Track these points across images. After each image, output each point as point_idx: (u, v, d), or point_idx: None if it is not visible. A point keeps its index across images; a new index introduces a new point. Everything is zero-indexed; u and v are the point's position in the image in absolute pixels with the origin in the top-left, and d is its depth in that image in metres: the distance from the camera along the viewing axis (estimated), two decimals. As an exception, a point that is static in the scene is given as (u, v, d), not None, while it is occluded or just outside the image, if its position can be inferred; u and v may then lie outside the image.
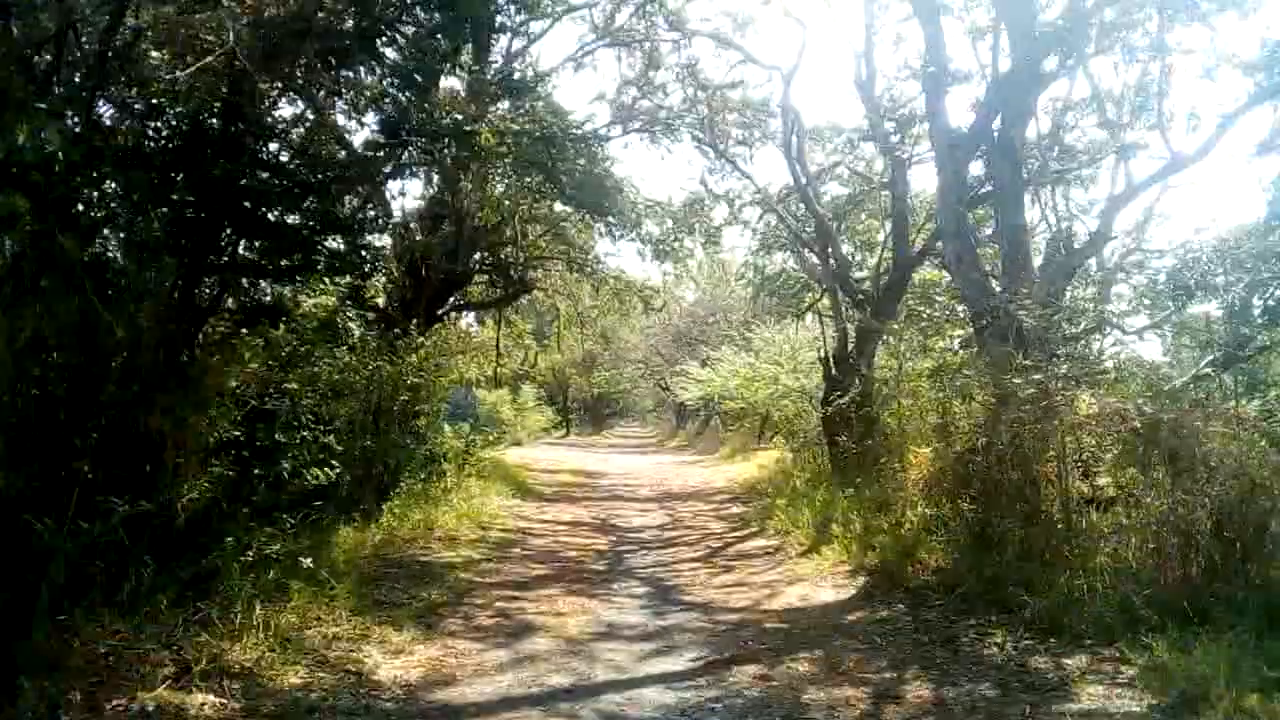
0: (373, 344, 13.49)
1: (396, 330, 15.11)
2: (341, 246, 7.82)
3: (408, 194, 17.69)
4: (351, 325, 14.25)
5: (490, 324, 26.80)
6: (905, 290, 15.52)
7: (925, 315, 18.66)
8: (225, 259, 6.71)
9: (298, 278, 7.39)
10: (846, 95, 73.20)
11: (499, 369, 26.23)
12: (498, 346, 25.20)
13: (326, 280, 12.60)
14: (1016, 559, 7.33)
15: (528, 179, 18.86)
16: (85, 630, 4.55)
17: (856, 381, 13.38)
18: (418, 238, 15.95)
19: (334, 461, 8.30)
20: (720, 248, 39.91)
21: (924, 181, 16.92)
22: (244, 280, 7.06)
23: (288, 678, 5.07)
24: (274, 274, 6.98)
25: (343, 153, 12.20)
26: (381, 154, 8.50)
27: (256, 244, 6.84)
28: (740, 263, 39.74)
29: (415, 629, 6.56)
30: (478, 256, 20.33)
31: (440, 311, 16.52)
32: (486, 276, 22.74)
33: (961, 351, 14.94)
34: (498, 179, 18.98)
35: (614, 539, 11.56)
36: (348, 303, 14.54)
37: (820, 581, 8.36)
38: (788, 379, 23.05)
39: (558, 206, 22.06)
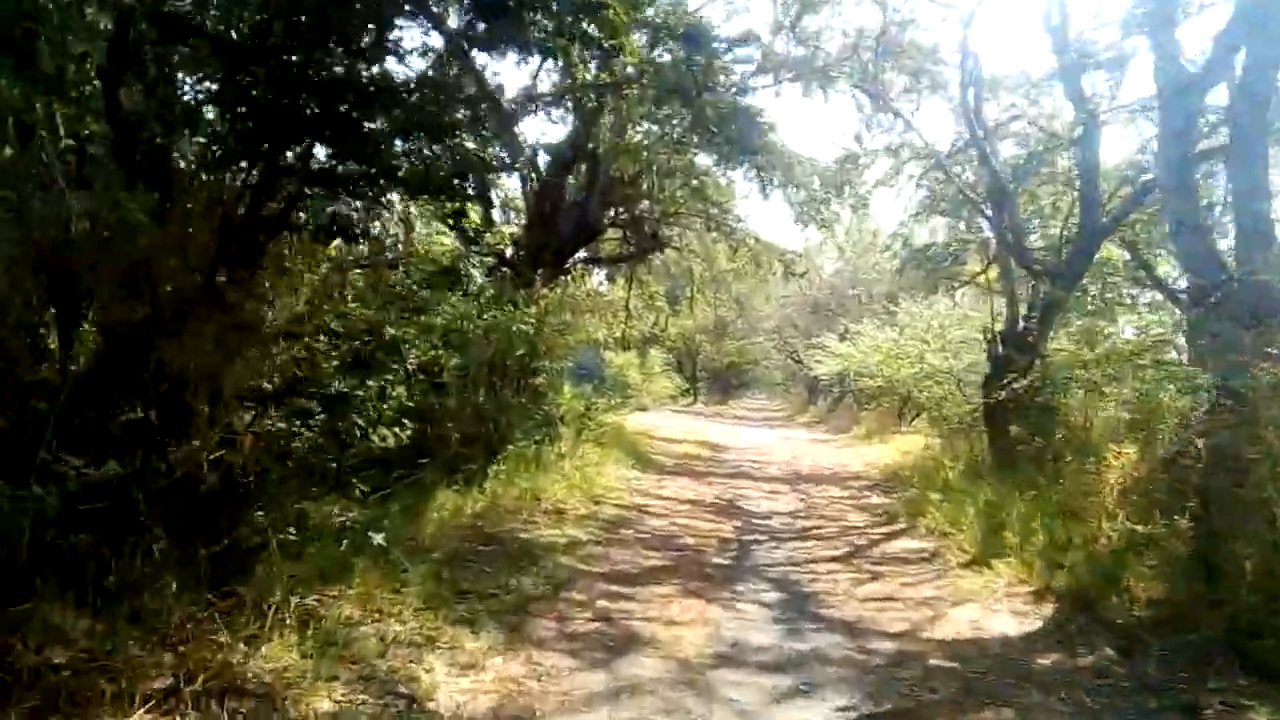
0: (490, 292, 12.51)
1: (519, 280, 14.09)
2: (440, 159, 6.51)
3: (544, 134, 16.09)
4: (474, 271, 13.31)
5: (621, 282, 25.63)
6: (1090, 264, 13.48)
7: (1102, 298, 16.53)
8: (300, 166, 5.59)
9: (375, 189, 6.18)
10: (1031, 41, 68.41)
11: (627, 330, 25.04)
12: (627, 306, 24.00)
13: (439, 210, 11.65)
14: (1259, 595, 5.64)
15: (668, 119, 17.53)
16: (38, 629, 3.44)
17: (1035, 364, 11.54)
18: (549, 180, 14.77)
19: (405, 421, 7.05)
20: (869, 213, 37.96)
21: (1115, 144, 14.69)
22: (316, 190, 5.90)
23: (314, 699, 3.88)
24: (345, 183, 5.79)
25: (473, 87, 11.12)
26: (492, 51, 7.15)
27: (332, 150, 5.69)
28: (889, 232, 37.62)
29: (496, 631, 5.33)
30: (612, 210, 19.13)
31: (568, 264, 15.35)
32: (620, 231, 21.58)
33: (1169, 333, 12.87)
34: (637, 123, 17.70)
35: (739, 525, 10.16)
36: (472, 247, 13.63)
37: (994, 604, 6.76)
38: (934, 358, 21.14)
39: (699, 160, 20.69)
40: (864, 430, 26.24)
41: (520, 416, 12.07)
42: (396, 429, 6.88)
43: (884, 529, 10.35)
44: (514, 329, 11.82)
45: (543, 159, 15.29)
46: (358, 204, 6.36)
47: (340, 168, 5.68)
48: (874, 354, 24.85)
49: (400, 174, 6.03)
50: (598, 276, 25.61)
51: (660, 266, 26.36)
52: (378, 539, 5.67)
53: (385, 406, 6.79)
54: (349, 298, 10.11)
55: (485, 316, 11.47)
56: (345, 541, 5.64)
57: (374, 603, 5.27)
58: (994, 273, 16.84)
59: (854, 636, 5.91)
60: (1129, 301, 21.31)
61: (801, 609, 6.59)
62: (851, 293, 36.89)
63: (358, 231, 6.57)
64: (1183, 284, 18.25)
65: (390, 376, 8.03)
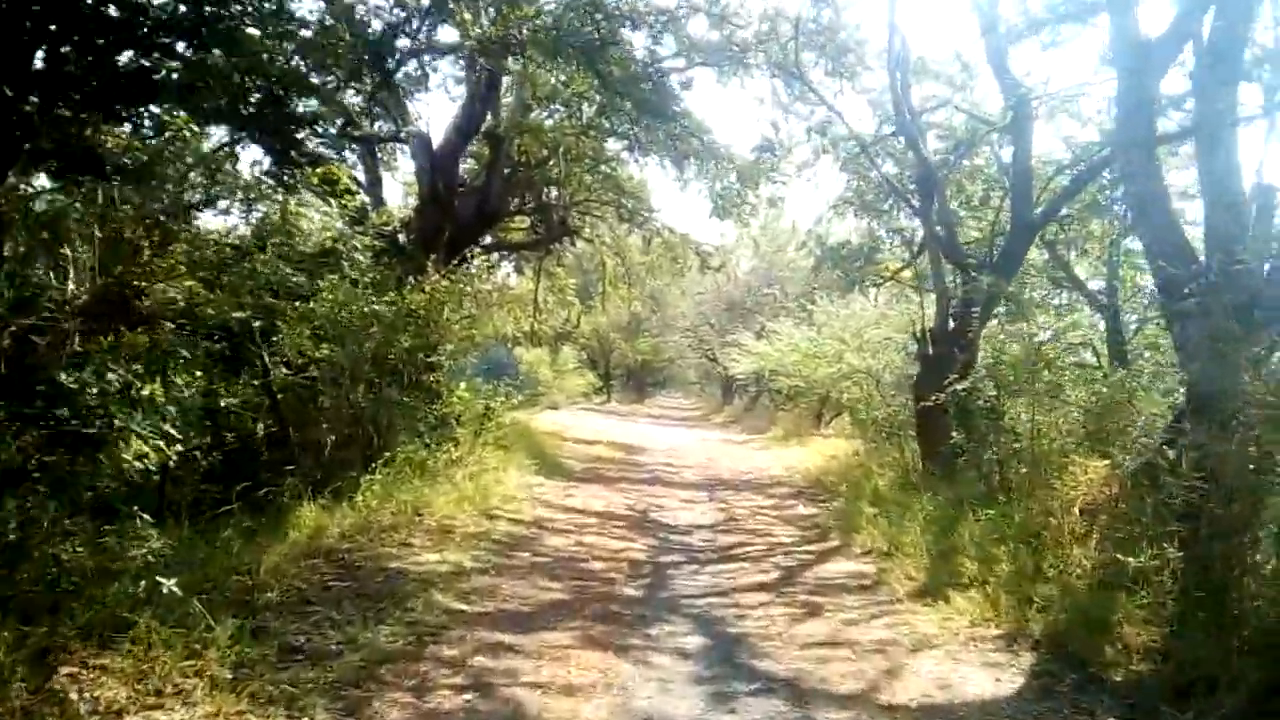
0: (371, 278, 11.07)
1: (411, 265, 12.63)
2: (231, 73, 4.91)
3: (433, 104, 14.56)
4: (357, 255, 11.82)
5: (530, 275, 24.18)
6: (1022, 260, 12.56)
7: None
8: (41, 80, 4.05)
9: (135, 110, 4.65)
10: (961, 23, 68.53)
11: (536, 325, 23.60)
12: (536, 300, 22.55)
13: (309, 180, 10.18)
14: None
15: (576, 99, 16.22)
16: None
17: (971, 364, 10.53)
18: (443, 156, 13.22)
19: (174, 432, 5.46)
20: (784, 210, 37.11)
21: (1045, 135, 13.80)
22: (66, 114, 4.35)
23: None
24: (94, 99, 4.25)
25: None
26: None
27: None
28: (806, 229, 36.83)
29: (326, 714, 3.92)
30: (517, 197, 17.72)
31: (469, 251, 13.86)
32: (527, 220, 20.20)
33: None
34: (543, 103, 16.33)
35: (654, 543, 8.84)
36: (355, 228, 12.11)
37: (960, 652, 5.53)
38: (853, 357, 20.25)
39: (611, 145, 19.42)
40: (781, 431, 25.27)
41: (406, 417, 10.59)
42: (164, 442, 5.19)
43: (815, 546, 9.15)
44: (398, 319, 10.39)
45: (438, 135, 13.75)
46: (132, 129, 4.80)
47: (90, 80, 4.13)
48: (791, 353, 23.88)
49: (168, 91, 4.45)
50: (506, 268, 24.19)
51: (572, 260, 25.01)
52: (168, 584, 4.18)
53: (148, 410, 5.12)
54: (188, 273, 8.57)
55: (365, 305, 10.02)
56: (122, 588, 4.14)
57: (155, 677, 3.80)
58: (921, 268, 15.91)
59: (798, 702, 4.62)
60: (1046, 303, 20.82)
61: (730, 659, 5.28)
62: (767, 291, 36.05)
63: (125, 165, 4.95)
64: (1096, 285, 17.69)
65: (155, 367, 6.44)
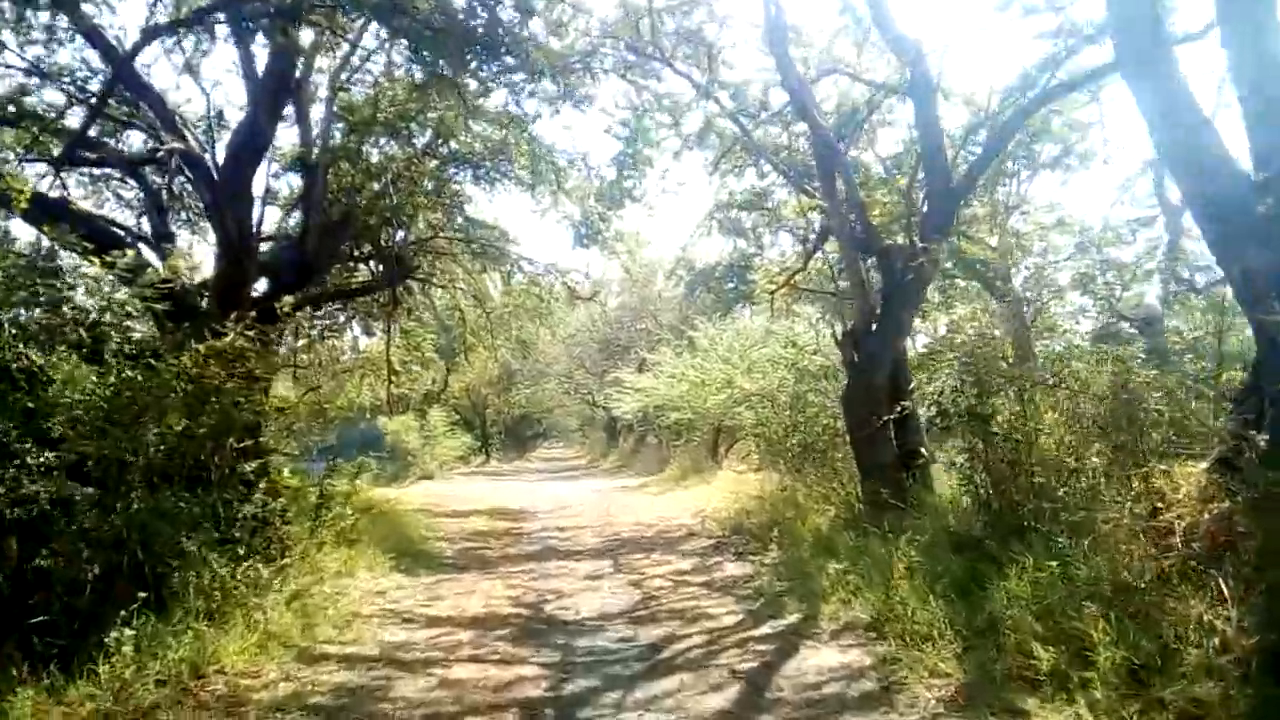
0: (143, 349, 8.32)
1: (205, 330, 9.73)
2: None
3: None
4: (130, 323, 9.01)
5: (381, 336, 21.16)
6: (946, 234, 10.52)
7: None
8: None
9: None
10: None
11: (395, 389, 20.56)
12: (389, 360, 19.55)
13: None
14: None
15: (404, 121, 13.67)
16: None
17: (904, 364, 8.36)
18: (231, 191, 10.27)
19: None
20: (644, 241, 35.03)
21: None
22: None
23: None
24: None
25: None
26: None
27: None
28: (674, 257, 34.83)
29: None
30: (348, 243, 14.91)
31: (284, 305, 10.93)
32: (365, 271, 17.37)
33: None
34: (364, 129, 13.64)
35: (554, 660, 6.17)
36: (126, 289, 9.29)
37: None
38: (744, 380, 18.14)
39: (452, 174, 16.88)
40: (677, 470, 22.95)
41: (195, 528, 7.65)
42: None
43: (772, 627, 6.65)
44: (169, 394, 7.58)
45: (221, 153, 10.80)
46: None
47: None
48: (677, 384, 21.64)
49: None
50: (354, 331, 21.12)
51: (425, 312, 22.13)
52: None
53: None
54: None
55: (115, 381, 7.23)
56: None
57: None
58: (819, 267, 13.86)
59: None
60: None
61: None
62: (640, 327, 33.85)
63: None
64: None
65: None
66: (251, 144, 9.88)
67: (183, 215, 14.40)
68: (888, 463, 9.61)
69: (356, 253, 16.26)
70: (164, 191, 11.72)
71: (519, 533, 13.55)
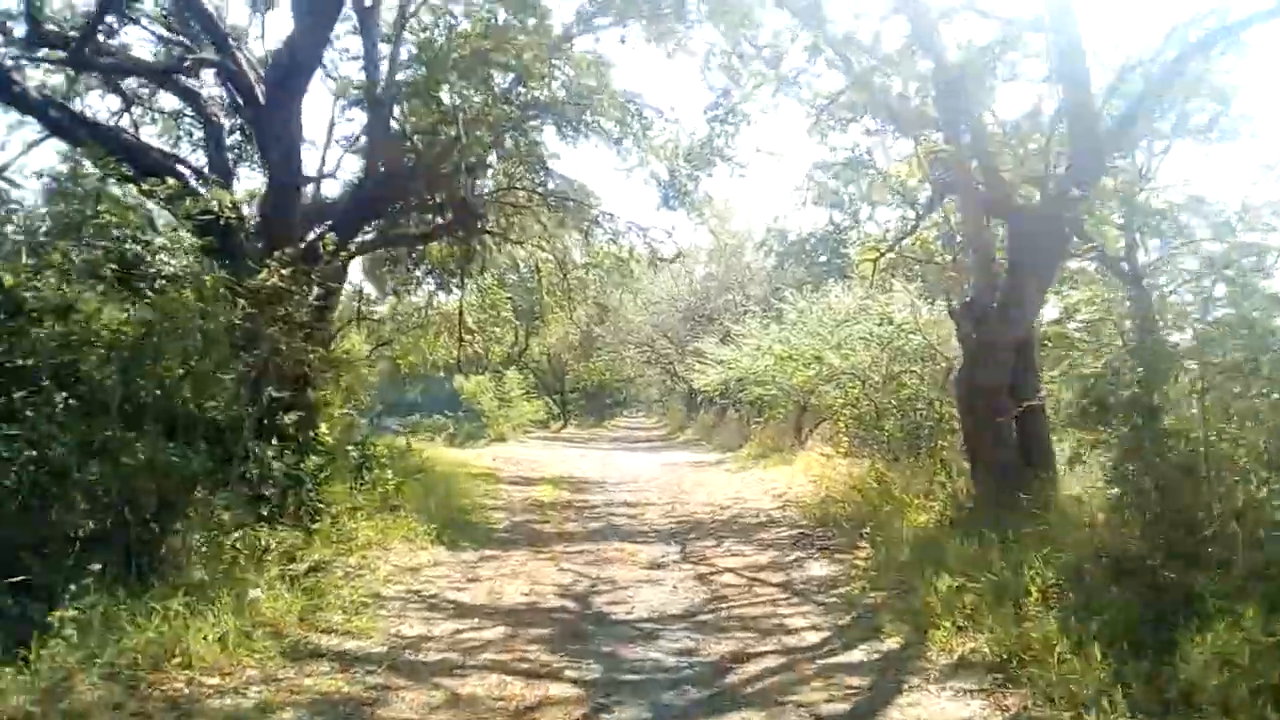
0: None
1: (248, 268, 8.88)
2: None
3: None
4: (162, 256, 8.18)
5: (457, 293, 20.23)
6: (1090, 194, 8.88)
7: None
8: None
9: None
10: None
11: (469, 349, 19.61)
12: (460, 319, 18.60)
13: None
14: None
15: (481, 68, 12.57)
16: None
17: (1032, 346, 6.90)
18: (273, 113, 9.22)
19: None
20: (733, 211, 33.48)
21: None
22: None
23: None
24: None
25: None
26: None
27: None
28: (765, 227, 33.25)
29: None
30: (410, 182, 13.89)
31: (327, 243, 9.90)
32: (435, 218, 16.37)
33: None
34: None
35: (594, 676, 4.97)
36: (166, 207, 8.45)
37: None
38: (834, 356, 16.64)
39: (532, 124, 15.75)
40: (757, 447, 21.55)
41: (206, 484, 6.67)
42: None
43: (864, 653, 5.34)
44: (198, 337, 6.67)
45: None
46: None
47: None
48: (762, 358, 20.22)
49: None
50: (429, 285, 20.16)
51: (505, 271, 21.14)
52: None
53: None
54: None
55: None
56: None
57: None
58: (927, 235, 12.30)
59: None
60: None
61: None
62: (726, 299, 32.37)
63: None
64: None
65: None
66: (296, 62, 8.81)
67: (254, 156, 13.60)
68: (1008, 458, 8.16)
69: (428, 200, 15.26)
70: (218, 120, 10.78)
71: (582, 506, 12.43)
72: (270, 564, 6.23)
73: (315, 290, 9.24)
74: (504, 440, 26.86)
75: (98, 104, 11.93)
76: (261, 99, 8.95)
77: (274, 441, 8.38)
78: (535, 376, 39.29)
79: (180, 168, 11.19)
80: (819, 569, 7.90)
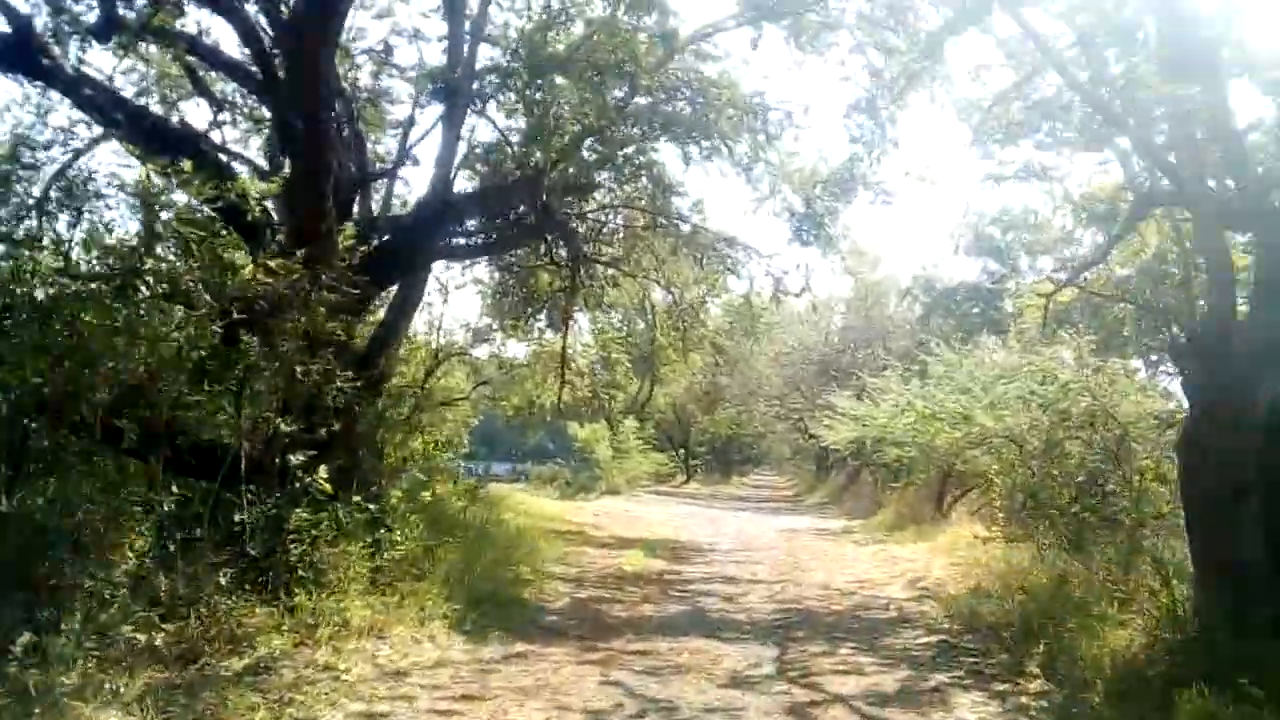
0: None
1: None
2: None
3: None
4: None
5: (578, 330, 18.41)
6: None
7: None
8: None
9: None
10: None
11: (567, 390, 17.73)
12: (563, 358, 16.79)
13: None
14: None
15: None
16: None
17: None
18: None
19: None
20: (878, 260, 30.76)
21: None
22: None
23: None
24: None
25: None
26: None
27: None
28: (915, 272, 30.53)
29: None
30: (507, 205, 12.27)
31: (346, 236, 8.10)
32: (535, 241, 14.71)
33: None
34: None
35: None
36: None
37: None
38: (985, 417, 13.90)
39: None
40: (891, 516, 18.79)
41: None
42: None
43: None
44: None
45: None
46: None
47: None
48: (901, 415, 17.53)
49: None
50: (537, 323, 18.37)
51: (625, 308, 19.23)
52: None
53: None
54: None
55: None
56: None
57: None
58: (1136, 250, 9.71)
59: None
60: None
61: None
62: (865, 351, 29.57)
63: None
64: None
65: None
66: (318, 9, 7.11)
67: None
68: (1254, 556, 5.55)
69: (527, 219, 13.57)
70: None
71: (672, 580, 10.17)
72: (160, 663, 4.30)
73: (347, 301, 7.52)
74: (617, 493, 24.86)
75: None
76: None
77: (277, 486, 6.63)
78: (658, 428, 37.30)
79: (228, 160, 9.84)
80: (971, 707, 5.42)
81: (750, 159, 14.05)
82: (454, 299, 51.49)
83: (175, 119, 10.11)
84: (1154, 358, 25.04)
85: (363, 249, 8.72)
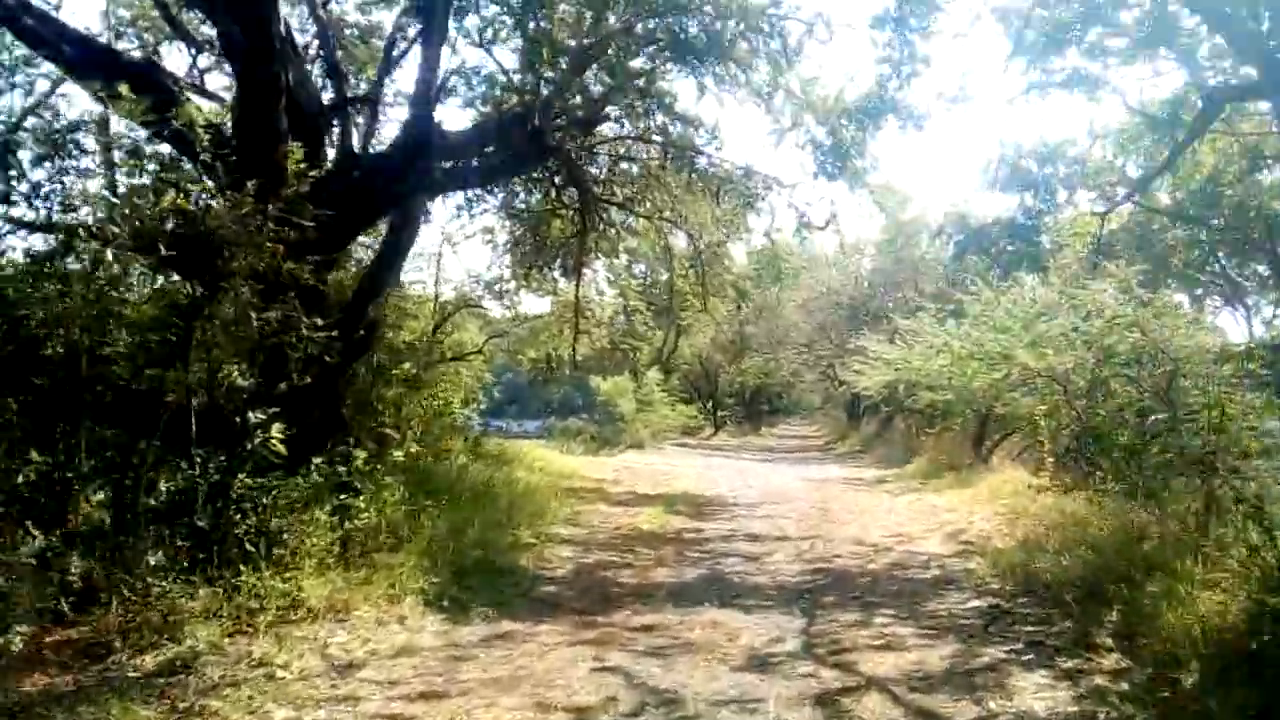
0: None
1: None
2: None
3: None
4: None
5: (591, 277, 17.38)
6: None
7: None
8: None
9: None
10: None
11: (583, 341, 16.82)
12: (576, 308, 15.84)
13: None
14: None
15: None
16: None
17: None
18: None
19: None
20: (908, 199, 29.28)
21: None
22: None
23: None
24: None
25: None
26: None
27: None
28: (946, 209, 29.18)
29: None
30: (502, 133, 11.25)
31: (295, 156, 7.13)
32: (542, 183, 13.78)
33: None
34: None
35: None
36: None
37: None
38: (1027, 355, 12.81)
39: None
40: (926, 464, 17.77)
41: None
42: None
43: None
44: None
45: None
46: None
47: None
48: (937, 356, 16.41)
49: None
50: (556, 275, 17.36)
51: (628, 254, 18.23)
52: None
53: None
54: None
55: None
56: None
57: None
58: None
59: None
60: None
61: None
62: (896, 295, 28.26)
63: None
64: None
65: None
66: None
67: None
68: None
69: (528, 158, 12.55)
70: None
71: (691, 539, 9.28)
72: (57, 665, 3.46)
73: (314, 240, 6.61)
74: (641, 447, 23.99)
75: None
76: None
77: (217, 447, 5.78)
78: (685, 379, 36.36)
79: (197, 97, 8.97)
80: (1036, 691, 4.47)
81: (770, 86, 12.97)
82: (464, 250, 50.42)
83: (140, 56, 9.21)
84: (1199, 291, 23.64)
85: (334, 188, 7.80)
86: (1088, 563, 6.39)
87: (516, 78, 11.12)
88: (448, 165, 10.13)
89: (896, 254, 28.87)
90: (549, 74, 11.25)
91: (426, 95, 8.53)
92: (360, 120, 10.12)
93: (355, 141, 9.74)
